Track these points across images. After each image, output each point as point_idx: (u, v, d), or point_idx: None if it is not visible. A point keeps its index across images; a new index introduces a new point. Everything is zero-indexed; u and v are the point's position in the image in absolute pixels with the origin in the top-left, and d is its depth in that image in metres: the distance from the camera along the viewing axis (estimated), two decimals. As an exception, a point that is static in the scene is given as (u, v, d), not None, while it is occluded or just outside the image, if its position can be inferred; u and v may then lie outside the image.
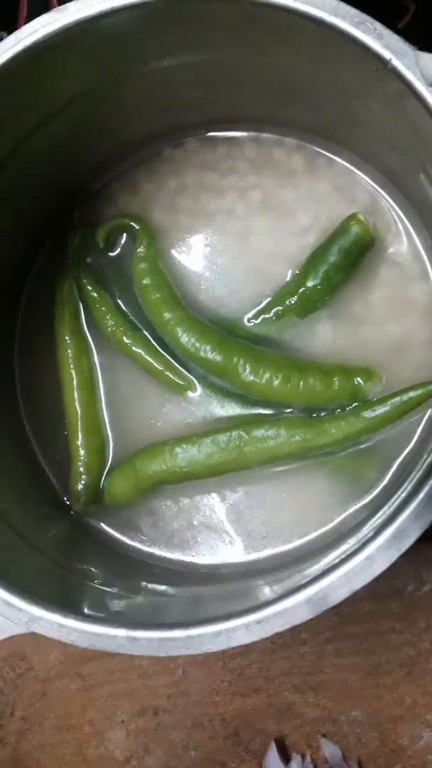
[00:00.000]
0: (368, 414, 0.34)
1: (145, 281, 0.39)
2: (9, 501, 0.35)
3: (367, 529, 0.32)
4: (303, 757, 0.41)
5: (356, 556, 0.25)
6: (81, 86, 0.34)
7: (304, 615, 0.25)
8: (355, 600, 0.44)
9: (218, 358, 0.37)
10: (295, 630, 0.42)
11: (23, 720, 0.46)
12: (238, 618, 0.25)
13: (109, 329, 0.39)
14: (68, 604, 0.28)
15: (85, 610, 0.28)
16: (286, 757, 0.41)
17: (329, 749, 0.41)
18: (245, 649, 0.43)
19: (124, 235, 0.41)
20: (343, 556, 0.25)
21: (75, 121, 0.36)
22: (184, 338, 0.37)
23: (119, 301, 0.40)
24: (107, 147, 0.41)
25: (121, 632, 0.26)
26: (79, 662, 0.45)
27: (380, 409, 0.34)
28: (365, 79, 0.29)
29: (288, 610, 0.25)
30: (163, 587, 0.34)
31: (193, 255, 0.40)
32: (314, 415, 0.36)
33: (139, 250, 0.39)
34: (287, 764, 0.41)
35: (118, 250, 0.41)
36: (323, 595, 0.25)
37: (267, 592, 0.30)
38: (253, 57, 0.32)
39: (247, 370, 0.36)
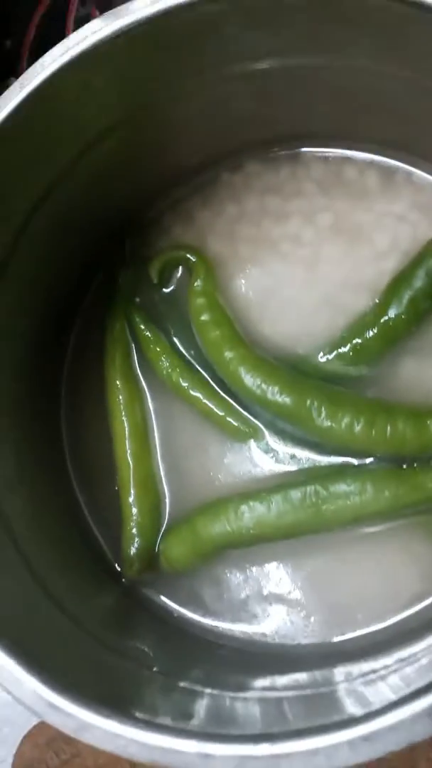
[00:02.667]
0: (473, 464, 0.29)
1: (204, 317, 0.35)
2: (53, 570, 0.30)
3: None
4: None
5: None
6: (127, 108, 0.31)
7: (429, 729, 0.19)
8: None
9: (288, 400, 0.32)
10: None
11: None
12: (339, 731, 0.20)
13: (165, 371, 0.36)
14: (122, 703, 0.23)
15: (143, 714, 0.22)
16: None
17: None
18: None
19: (180, 268, 0.37)
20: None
21: (122, 146, 0.33)
22: (248, 379, 0.33)
23: (175, 341, 0.36)
24: (159, 174, 0.38)
25: (192, 746, 0.21)
26: (133, 750, 0.39)
27: None
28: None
29: (406, 722, 0.19)
30: (229, 676, 0.29)
31: (256, 287, 0.36)
32: (404, 466, 0.31)
33: (195, 283, 0.35)
34: None
35: (173, 285, 0.37)
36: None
37: (361, 690, 0.24)
38: (332, 61, 0.28)
39: (323, 414, 0.31)
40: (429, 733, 0.20)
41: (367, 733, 0.20)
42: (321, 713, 0.22)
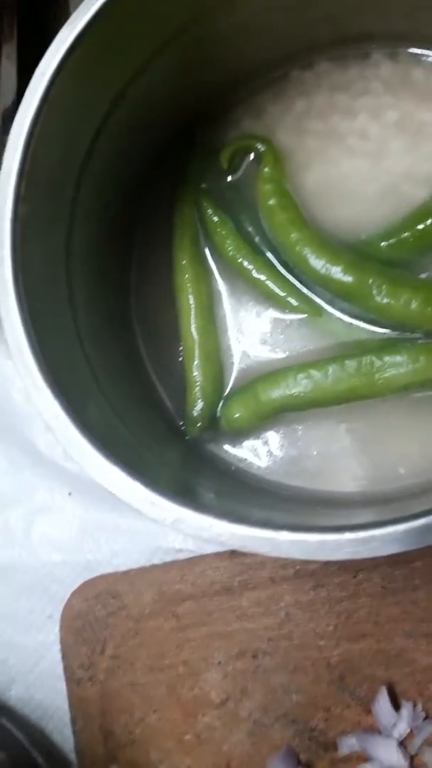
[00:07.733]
0: None
1: (271, 202, 0.37)
2: (132, 421, 0.34)
3: None
4: (414, 704, 0.39)
5: None
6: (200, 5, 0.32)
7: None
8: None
9: (351, 279, 0.35)
10: (407, 574, 0.41)
11: (114, 658, 0.45)
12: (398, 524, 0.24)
13: (230, 254, 0.38)
14: (203, 506, 0.27)
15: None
16: (395, 705, 0.39)
17: (441, 700, 0.39)
18: (353, 593, 0.41)
19: (248, 157, 0.39)
20: None
21: (196, 43, 0.35)
22: (313, 259, 0.36)
23: (241, 225, 0.39)
24: (232, 69, 0.39)
25: (282, 535, 0.25)
26: (175, 602, 0.44)
27: None
28: None
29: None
30: (287, 510, 0.33)
31: (322, 177, 0.38)
32: (453, 342, 0.34)
33: (265, 170, 0.38)
34: (398, 711, 0.39)
35: (240, 173, 0.40)
36: None
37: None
38: None
39: (383, 292, 0.34)
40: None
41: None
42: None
